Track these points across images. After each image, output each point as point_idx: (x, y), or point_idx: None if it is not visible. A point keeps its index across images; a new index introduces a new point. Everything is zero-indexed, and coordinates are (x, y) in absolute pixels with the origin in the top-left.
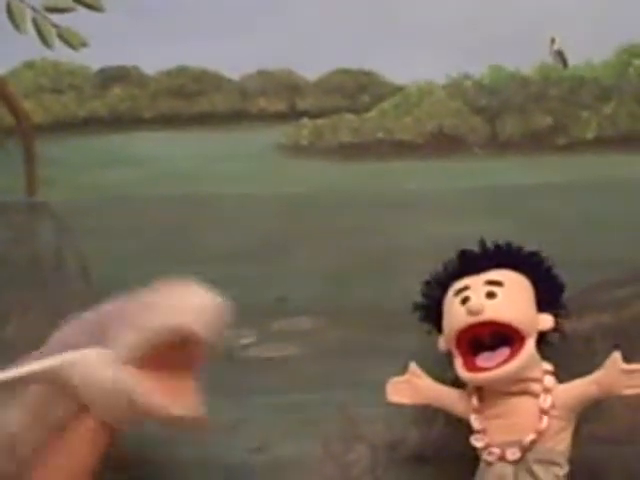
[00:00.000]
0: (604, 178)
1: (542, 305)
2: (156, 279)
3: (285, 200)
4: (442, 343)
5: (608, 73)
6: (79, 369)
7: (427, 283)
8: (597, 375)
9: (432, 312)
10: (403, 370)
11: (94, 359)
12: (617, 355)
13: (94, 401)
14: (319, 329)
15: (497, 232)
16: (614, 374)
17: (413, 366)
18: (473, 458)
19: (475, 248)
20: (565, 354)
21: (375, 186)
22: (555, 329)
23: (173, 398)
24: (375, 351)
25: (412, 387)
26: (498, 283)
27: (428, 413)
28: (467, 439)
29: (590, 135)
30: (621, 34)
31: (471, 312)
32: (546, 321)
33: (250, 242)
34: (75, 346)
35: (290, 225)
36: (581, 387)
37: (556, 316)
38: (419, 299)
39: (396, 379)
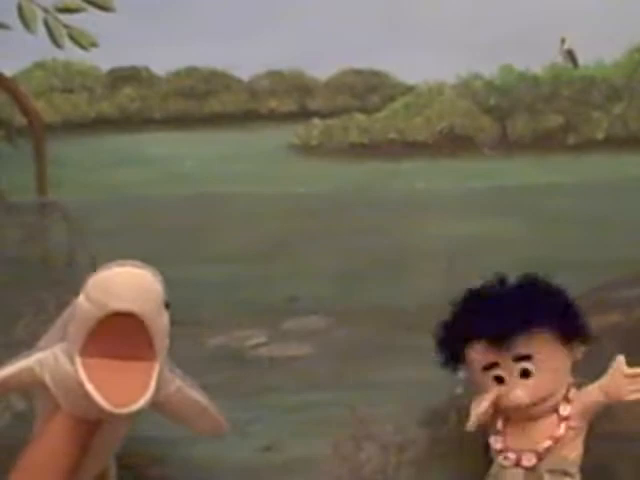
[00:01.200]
0: (614, 177)
1: (570, 337)
2: (166, 278)
3: (295, 200)
4: (464, 375)
5: (619, 73)
6: (48, 367)
7: (443, 336)
8: (603, 382)
9: (453, 359)
10: (415, 370)
11: (59, 355)
12: (621, 359)
13: (63, 396)
14: (329, 329)
15: (507, 232)
16: (618, 379)
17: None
18: (483, 459)
19: (488, 252)
20: None
21: (385, 186)
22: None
23: (117, 392)
24: (385, 351)
25: None
26: (527, 357)
27: (439, 414)
28: (477, 440)
29: (600, 135)
30: (632, 34)
31: (517, 408)
32: (578, 351)
33: (260, 242)
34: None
35: (300, 225)
36: (591, 394)
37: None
38: (431, 302)
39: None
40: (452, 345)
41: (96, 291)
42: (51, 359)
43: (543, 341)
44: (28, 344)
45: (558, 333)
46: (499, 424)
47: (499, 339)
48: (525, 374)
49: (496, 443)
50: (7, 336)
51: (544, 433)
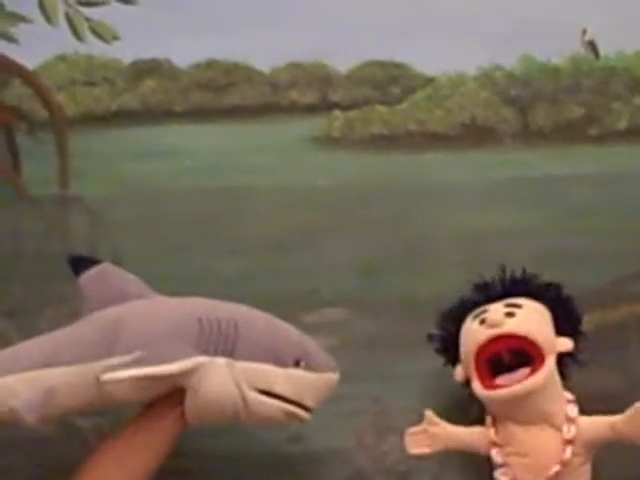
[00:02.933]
0: (637, 168)
1: (561, 332)
2: (188, 271)
3: (317, 192)
4: (460, 373)
5: None
6: (201, 375)
7: (443, 316)
8: (615, 420)
9: (448, 344)
10: (436, 362)
11: (222, 370)
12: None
13: (200, 407)
14: (351, 321)
15: (529, 222)
16: (634, 425)
17: (428, 414)
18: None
19: (510, 244)
20: (599, 344)
21: (407, 178)
22: (574, 358)
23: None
24: (408, 342)
25: (429, 436)
26: (517, 305)
27: (461, 405)
28: None
29: (622, 126)
30: None
31: (490, 324)
32: (565, 343)
33: (282, 234)
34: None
35: (322, 217)
36: (599, 426)
37: (575, 342)
38: (453, 293)
39: (413, 430)
40: (450, 327)
41: None
42: (209, 369)
43: (536, 307)
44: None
45: (551, 317)
46: (496, 456)
47: (496, 297)
48: (510, 314)
49: (502, 477)
50: (30, 329)
51: (551, 462)
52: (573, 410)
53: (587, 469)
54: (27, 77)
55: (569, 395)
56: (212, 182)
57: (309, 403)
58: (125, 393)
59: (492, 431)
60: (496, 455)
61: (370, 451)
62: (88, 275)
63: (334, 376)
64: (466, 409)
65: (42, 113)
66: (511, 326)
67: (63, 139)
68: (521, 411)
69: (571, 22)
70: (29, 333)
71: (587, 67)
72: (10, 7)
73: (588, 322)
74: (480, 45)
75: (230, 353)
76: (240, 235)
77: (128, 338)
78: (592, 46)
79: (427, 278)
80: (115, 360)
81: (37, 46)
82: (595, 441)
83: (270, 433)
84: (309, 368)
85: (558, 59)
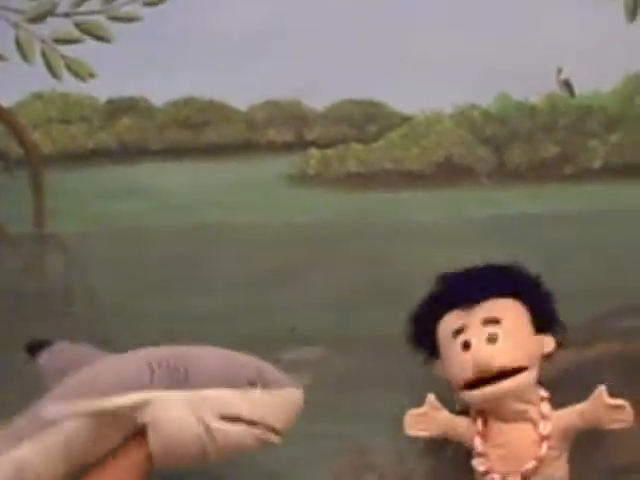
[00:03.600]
0: (612, 207)
1: (541, 325)
2: (164, 310)
3: (293, 230)
4: (439, 369)
5: (615, 102)
6: (156, 408)
7: (415, 315)
8: (582, 407)
9: (424, 341)
10: (414, 400)
11: (179, 402)
12: (603, 389)
13: (163, 442)
14: (329, 358)
15: (505, 261)
16: (599, 408)
17: (431, 398)
18: None
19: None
20: (574, 383)
21: (383, 216)
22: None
23: None
24: (385, 381)
25: (430, 419)
26: (495, 321)
27: (438, 444)
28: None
29: (598, 164)
30: (628, 63)
31: (479, 368)
32: (549, 343)
33: (258, 272)
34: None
35: (298, 255)
36: (570, 416)
37: (555, 332)
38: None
39: (414, 411)
40: (424, 326)
41: None
42: (162, 403)
43: (514, 310)
44: (28, 376)
45: (530, 314)
46: (479, 445)
47: (469, 302)
48: (492, 340)
49: (479, 465)
50: (6, 368)
51: (527, 455)
52: (547, 407)
53: (563, 461)
54: (3, 115)
55: (543, 392)
56: (189, 220)
57: (273, 423)
58: (89, 447)
59: (480, 421)
60: (478, 444)
61: None
62: (43, 357)
63: (295, 391)
64: (443, 446)
65: (18, 151)
66: (498, 362)
67: (39, 177)
68: (499, 408)
69: (547, 61)
70: (4, 372)
71: (563, 106)
72: None
73: (564, 359)
74: (456, 84)
75: (183, 385)
76: (217, 273)
77: (78, 391)
78: (567, 85)
79: (403, 316)
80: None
81: (13, 84)
82: (568, 432)
83: (246, 474)
84: (266, 387)
85: (534, 98)
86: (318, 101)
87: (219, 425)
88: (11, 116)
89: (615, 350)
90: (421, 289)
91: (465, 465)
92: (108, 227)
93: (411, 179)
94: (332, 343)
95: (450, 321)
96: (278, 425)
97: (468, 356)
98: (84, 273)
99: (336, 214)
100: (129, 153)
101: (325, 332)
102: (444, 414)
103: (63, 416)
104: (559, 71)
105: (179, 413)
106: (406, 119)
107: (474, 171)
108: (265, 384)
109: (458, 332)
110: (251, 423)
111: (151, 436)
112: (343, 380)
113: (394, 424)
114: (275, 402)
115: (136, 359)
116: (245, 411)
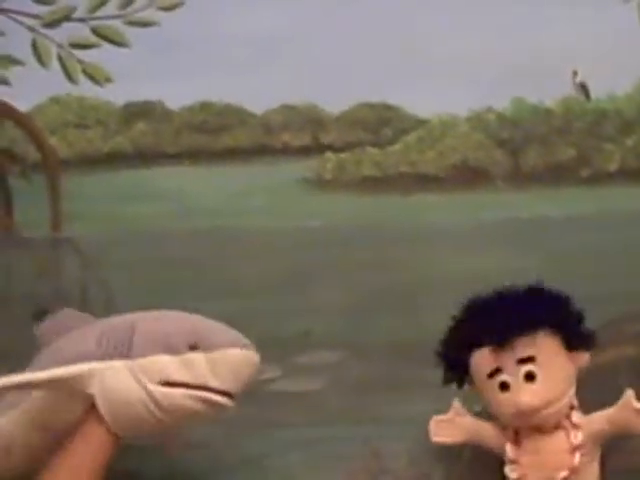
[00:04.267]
0: (628, 210)
1: (573, 343)
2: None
3: (309, 234)
4: (475, 389)
5: (631, 105)
6: (101, 379)
7: (446, 348)
8: (611, 412)
9: (455, 371)
10: (429, 404)
11: (121, 371)
12: (631, 394)
13: (114, 412)
14: (343, 363)
15: (520, 265)
16: (627, 413)
17: (456, 404)
18: None
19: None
20: (590, 387)
21: (398, 220)
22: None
23: None
24: (399, 385)
25: (455, 426)
26: (530, 359)
27: (454, 448)
28: (492, 475)
29: (613, 167)
30: None
31: (521, 411)
32: (583, 359)
33: (274, 276)
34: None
35: (314, 259)
36: (599, 421)
37: (589, 348)
38: (441, 333)
39: (439, 418)
40: (454, 357)
41: None
42: (107, 372)
43: (546, 343)
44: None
45: (561, 337)
46: (511, 452)
47: (501, 344)
48: (529, 377)
49: (512, 472)
50: (22, 372)
51: (559, 464)
52: (578, 416)
53: (595, 466)
54: (20, 120)
55: (574, 401)
56: (204, 224)
57: (215, 384)
58: (51, 419)
59: (511, 429)
60: (509, 451)
61: None
62: (43, 325)
63: (240, 351)
64: (459, 451)
65: (35, 155)
66: (536, 403)
67: (55, 181)
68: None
69: (562, 64)
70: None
71: (578, 109)
72: (3, 50)
73: None
74: (472, 87)
75: (127, 354)
76: (231, 277)
77: (35, 365)
78: (583, 88)
79: (418, 319)
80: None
81: (30, 89)
82: (598, 437)
83: (261, 476)
84: (206, 349)
85: (549, 101)
86: (334, 105)
87: (160, 389)
88: (28, 120)
89: (631, 354)
90: (437, 293)
91: (481, 470)
92: (124, 230)
93: (427, 183)
94: (347, 347)
95: (483, 361)
96: (225, 387)
97: (509, 397)
98: (100, 276)
99: (352, 218)
100: (145, 157)
101: (340, 336)
102: (469, 420)
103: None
104: (575, 74)
105: (121, 381)
106: (422, 123)
107: (490, 174)
108: (206, 347)
109: (493, 374)
110: (194, 387)
111: (100, 406)
112: (358, 384)
113: (409, 428)
114: (214, 364)
115: (92, 331)
116: (181, 375)
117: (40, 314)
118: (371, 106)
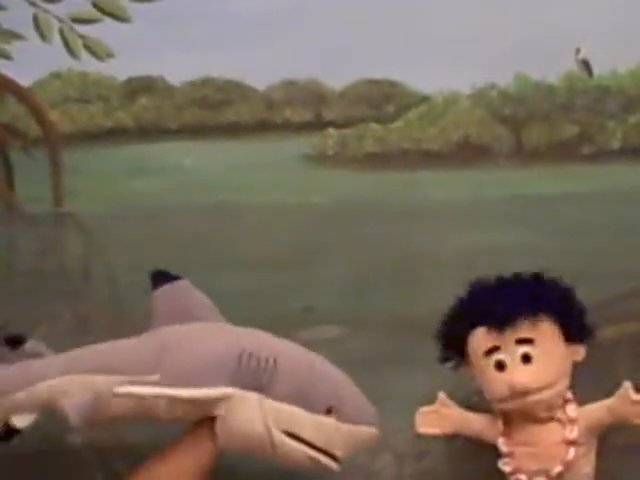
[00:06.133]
0: (630, 187)
1: (571, 335)
2: None
3: (311, 209)
4: (470, 373)
5: (633, 83)
6: (231, 405)
7: (446, 326)
8: (609, 403)
9: (453, 350)
10: (430, 380)
11: (253, 406)
12: (628, 386)
13: (230, 437)
14: (345, 338)
15: (523, 241)
16: (626, 404)
17: (442, 396)
18: (497, 471)
19: (503, 261)
20: (590, 362)
21: (400, 195)
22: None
23: None
24: (402, 360)
25: (441, 417)
26: (529, 341)
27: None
28: (492, 452)
29: (616, 144)
30: None
31: (515, 391)
32: (578, 352)
33: (277, 252)
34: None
35: (316, 234)
36: (597, 412)
37: (585, 340)
38: (443, 308)
39: (425, 409)
40: (454, 335)
41: None
42: (239, 400)
43: (546, 329)
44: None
45: (561, 326)
46: (503, 445)
47: (502, 323)
48: (526, 359)
49: (506, 466)
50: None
51: (554, 456)
52: (573, 410)
53: (591, 456)
54: (22, 95)
55: (569, 394)
56: (206, 199)
57: (338, 453)
58: (163, 413)
59: (500, 421)
60: (502, 445)
61: (363, 469)
62: (161, 290)
63: (369, 430)
64: None
65: (36, 130)
66: (531, 384)
67: (57, 156)
68: (528, 412)
69: (565, 41)
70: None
71: (581, 86)
72: (4, 25)
73: None
74: (475, 64)
75: (263, 390)
76: (234, 253)
77: (168, 365)
78: (585, 65)
79: (420, 295)
80: (145, 379)
81: (31, 63)
82: (596, 427)
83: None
84: (341, 418)
85: (552, 78)
86: (336, 81)
87: (283, 439)
88: (30, 96)
89: (631, 330)
90: (438, 269)
91: (480, 447)
92: (126, 206)
93: (429, 159)
94: (349, 322)
95: (482, 339)
96: (341, 455)
97: (504, 377)
98: (102, 251)
99: (354, 193)
100: (147, 132)
101: (342, 311)
102: (456, 411)
103: (125, 395)
104: (577, 51)
105: (249, 415)
106: (424, 99)
107: (492, 151)
108: (341, 415)
109: (491, 351)
110: (314, 447)
111: (219, 428)
112: (359, 359)
113: (410, 403)
114: (345, 436)
115: (228, 346)
116: (312, 435)
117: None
118: (374, 82)
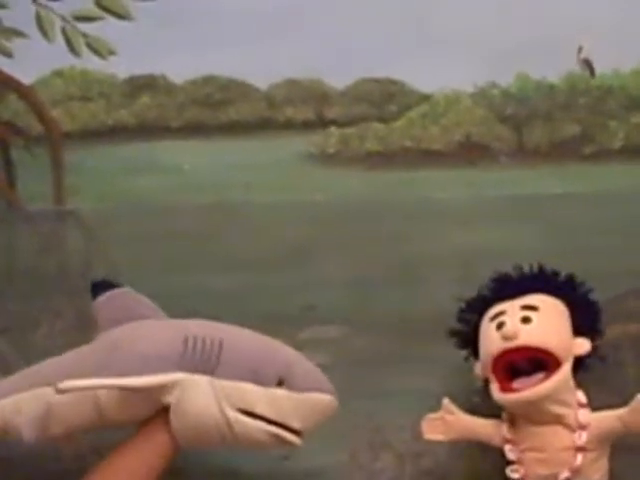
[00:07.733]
0: (631, 187)
1: (579, 330)
2: (182, 287)
3: (312, 209)
4: (478, 369)
5: (636, 82)
6: (181, 391)
7: (462, 309)
8: (622, 413)
9: (468, 338)
10: (432, 379)
11: (204, 389)
12: None
13: (184, 425)
14: (346, 338)
15: (524, 241)
16: (638, 415)
17: (446, 402)
18: (500, 471)
19: (504, 261)
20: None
21: (402, 195)
22: (594, 354)
23: None
24: (403, 360)
25: (446, 423)
26: (533, 308)
27: None
28: (493, 452)
29: (617, 144)
30: None
31: (505, 337)
32: (582, 345)
33: (277, 250)
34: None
35: (317, 234)
36: (608, 422)
37: (593, 341)
38: (448, 310)
39: (431, 416)
40: (469, 320)
41: None
42: (189, 386)
43: (555, 305)
44: (46, 351)
45: (571, 312)
46: (504, 430)
47: (513, 294)
48: (526, 320)
49: (514, 473)
50: (24, 346)
51: (561, 461)
52: (585, 415)
53: (603, 462)
54: (23, 92)
55: (582, 398)
56: (207, 198)
57: (294, 425)
58: (115, 412)
59: (505, 427)
60: (509, 452)
61: (364, 468)
62: (103, 297)
63: (323, 397)
64: None
65: (38, 128)
66: (525, 338)
67: (58, 154)
68: (535, 413)
69: (567, 40)
70: (23, 350)
71: (583, 85)
72: (6, 22)
73: None
74: (476, 63)
75: (212, 371)
76: (235, 251)
77: (117, 360)
78: (587, 64)
79: (422, 295)
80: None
81: (33, 61)
82: (607, 435)
83: (264, 451)
84: (293, 388)
85: (554, 77)
86: (338, 80)
87: (238, 417)
88: (31, 93)
89: (633, 331)
90: (440, 269)
91: (483, 446)
92: (128, 204)
93: (430, 158)
94: (350, 322)
95: (492, 310)
96: (298, 426)
97: (499, 334)
98: (103, 250)
99: (355, 193)
100: (149, 131)
101: (343, 311)
102: (461, 417)
103: (75, 389)
104: (579, 50)
105: (201, 399)
106: (426, 98)
107: (493, 150)
108: (292, 385)
109: (496, 316)
110: (273, 423)
111: (172, 416)
112: (361, 359)
113: (411, 402)
114: (299, 405)
115: (172, 333)
116: (264, 409)
117: (99, 286)
118: (375, 81)
